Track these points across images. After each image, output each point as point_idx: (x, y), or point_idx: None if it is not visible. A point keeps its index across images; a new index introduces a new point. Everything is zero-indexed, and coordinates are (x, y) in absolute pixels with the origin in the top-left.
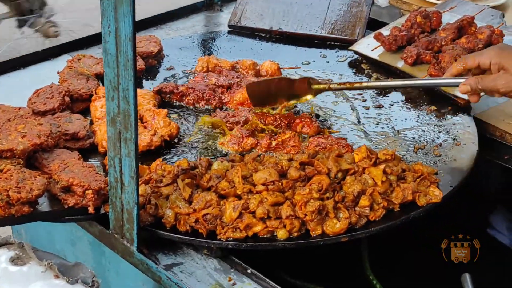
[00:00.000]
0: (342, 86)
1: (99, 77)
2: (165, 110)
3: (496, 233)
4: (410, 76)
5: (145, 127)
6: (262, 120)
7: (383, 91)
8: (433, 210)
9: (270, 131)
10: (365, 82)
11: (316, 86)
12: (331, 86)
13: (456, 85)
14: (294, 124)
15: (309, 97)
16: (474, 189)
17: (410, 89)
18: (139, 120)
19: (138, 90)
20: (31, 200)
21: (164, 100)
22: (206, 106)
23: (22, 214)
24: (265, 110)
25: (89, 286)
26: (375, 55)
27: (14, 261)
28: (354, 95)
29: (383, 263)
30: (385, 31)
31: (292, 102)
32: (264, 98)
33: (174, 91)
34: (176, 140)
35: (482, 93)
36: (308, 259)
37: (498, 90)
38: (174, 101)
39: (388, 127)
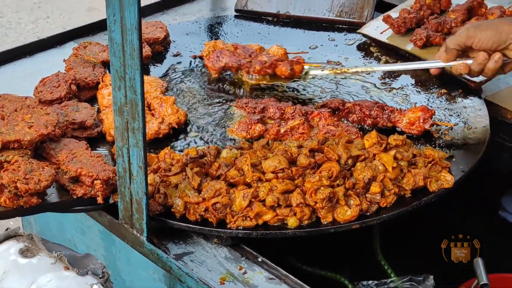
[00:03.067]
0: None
1: (106, 65)
2: (173, 97)
3: (507, 215)
4: (420, 59)
5: (152, 115)
6: (280, 110)
7: (393, 74)
8: (445, 195)
9: (278, 119)
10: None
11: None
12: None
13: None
14: (312, 116)
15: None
16: (485, 172)
17: (420, 72)
18: (146, 108)
19: (145, 78)
20: (39, 191)
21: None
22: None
23: (30, 205)
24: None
25: (99, 278)
26: (384, 38)
27: (23, 253)
28: (365, 76)
29: (394, 247)
30: (394, 13)
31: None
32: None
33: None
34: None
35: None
36: (319, 245)
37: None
38: None
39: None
